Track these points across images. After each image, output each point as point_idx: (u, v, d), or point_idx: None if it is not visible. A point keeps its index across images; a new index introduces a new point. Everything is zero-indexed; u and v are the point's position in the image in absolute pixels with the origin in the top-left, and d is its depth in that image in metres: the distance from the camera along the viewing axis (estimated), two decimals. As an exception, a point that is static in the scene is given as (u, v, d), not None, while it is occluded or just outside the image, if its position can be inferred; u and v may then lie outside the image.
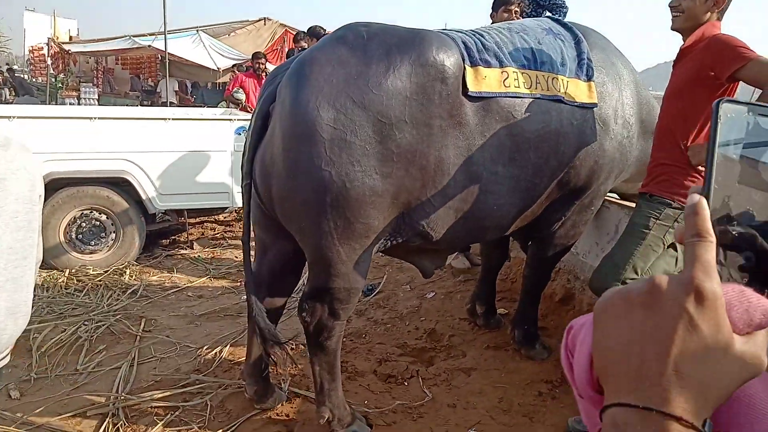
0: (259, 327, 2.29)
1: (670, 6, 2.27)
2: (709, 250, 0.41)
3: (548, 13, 4.26)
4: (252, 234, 2.47)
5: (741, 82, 2.16)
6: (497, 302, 3.61)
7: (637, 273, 2.18)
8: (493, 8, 3.90)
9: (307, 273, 2.41)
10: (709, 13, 2.20)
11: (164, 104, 10.91)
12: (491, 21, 3.94)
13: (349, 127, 2.03)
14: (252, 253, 2.48)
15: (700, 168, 2.24)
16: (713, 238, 0.42)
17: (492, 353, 3.15)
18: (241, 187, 2.36)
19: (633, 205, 3.18)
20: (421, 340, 3.33)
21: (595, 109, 2.57)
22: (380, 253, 2.49)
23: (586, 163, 2.59)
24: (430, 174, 2.22)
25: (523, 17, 3.84)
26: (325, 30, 5.55)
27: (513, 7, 3.73)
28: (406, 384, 2.85)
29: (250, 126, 2.31)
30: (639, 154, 2.94)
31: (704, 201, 0.43)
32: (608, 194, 3.12)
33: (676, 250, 2.25)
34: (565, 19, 4.18)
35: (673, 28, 2.29)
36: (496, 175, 2.38)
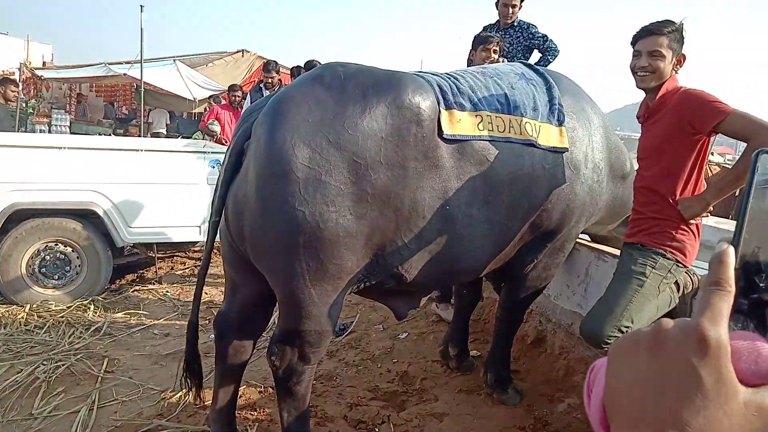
0: (188, 347, 2.42)
1: (637, 67, 2.31)
2: (724, 300, 0.40)
3: (540, 55, 4.45)
4: (220, 271, 2.43)
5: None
6: (470, 344, 3.58)
7: (631, 321, 2.19)
8: (472, 47, 3.98)
9: (278, 314, 2.35)
10: (673, 72, 2.29)
11: (156, 135, 10.81)
12: (469, 59, 4.02)
13: (324, 167, 2.01)
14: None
15: (691, 222, 2.29)
16: (732, 289, 0.41)
17: (464, 397, 3.10)
18: (209, 223, 2.31)
19: (603, 247, 3.23)
20: (393, 384, 3.26)
21: (566, 153, 2.61)
22: (352, 294, 2.45)
23: (557, 206, 2.62)
24: (404, 215, 2.21)
25: (503, 57, 3.94)
26: (318, 63, 5.45)
27: (492, 46, 3.80)
28: (377, 430, 2.77)
29: (223, 162, 2.28)
30: (608, 197, 2.99)
31: (732, 250, 0.43)
32: (579, 236, 3.16)
33: (659, 300, 2.27)
34: (555, 61, 4.35)
35: (640, 87, 2.35)
36: (471, 218, 2.38)
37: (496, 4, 4.43)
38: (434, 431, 2.77)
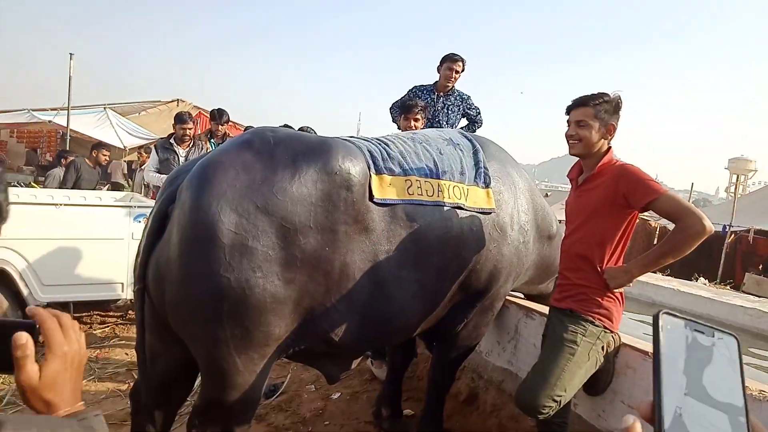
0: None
1: (567, 135, 2.47)
2: None
3: (467, 123, 4.70)
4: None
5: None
6: (404, 402, 3.54)
7: (564, 390, 2.23)
8: (400, 114, 4.14)
9: (200, 383, 2.23)
10: (603, 140, 2.42)
11: (116, 185, 10.29)
12: (398, 126, 4.17)
13: (251, 233, 1.98)
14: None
15: (615, 291, 2.39)
16: None
17: (397, 461, 3.03)
18: (133, 291, 2.20)
19: (531, 305, 3.33)
20: (324, 449, 3.15)
21: (492, 215, 2.71)
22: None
23: (485, 267, 2.69)
24: (334, 279, 2.19)
25: (426, 124, 4.10)
26: (313, 130, 4.84)
27: (411, 116, 3.97)
28: (305, 502, 2.65)
29: (145, 227, 2.20)
30: (536, 257, 3.11)
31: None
32: (509, 294, 3.24)
33: (587, 364, 2.33)
34: (478, 131, 4.57)
35: (572, 153, 2.49)
36: (401, 280, 2.40)
37: (438, 68, 4.62)
38: (366, 500, 2.68)
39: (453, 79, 4.57)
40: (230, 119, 5.93)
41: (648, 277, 6.64)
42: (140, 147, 12.04)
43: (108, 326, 5.26)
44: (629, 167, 2.34)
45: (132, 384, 2.36)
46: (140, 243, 2.19)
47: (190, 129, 5.46)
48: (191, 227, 1.99)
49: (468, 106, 4.70)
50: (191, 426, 2.16)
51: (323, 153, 2.20)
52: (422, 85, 4.75)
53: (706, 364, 0.51)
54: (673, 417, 0.47)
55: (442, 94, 4.65)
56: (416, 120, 3.97)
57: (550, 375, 2.25)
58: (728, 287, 9.39)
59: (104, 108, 12.58)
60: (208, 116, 6.25)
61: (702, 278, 10.32)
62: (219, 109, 5.74)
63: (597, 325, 2.35)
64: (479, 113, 4.77)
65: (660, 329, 0.51)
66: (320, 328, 2.25)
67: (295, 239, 2.05)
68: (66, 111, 9.80)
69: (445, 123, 4.61)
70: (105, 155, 6.96)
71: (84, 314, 5.34)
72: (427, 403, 3.14)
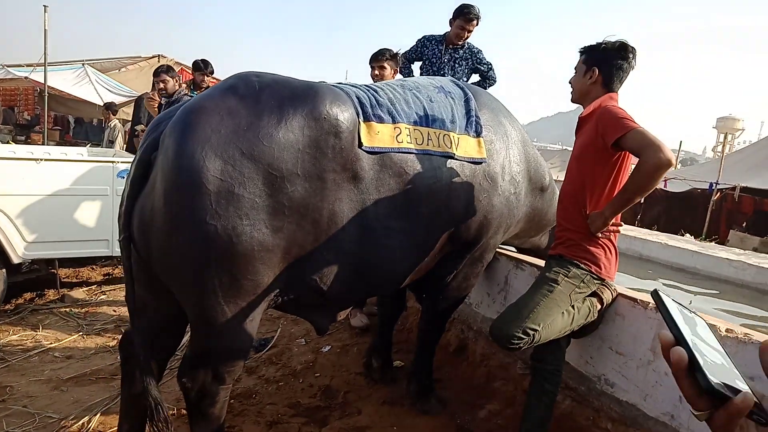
0: (152, 397, 2.11)
1: (569, 82, 2.52)
2: None
3: (479, 79, 4.58)
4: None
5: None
6: (394, 354, 3.57)
7: (538, 325, 2.23)
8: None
9: (189, 334, 2.22)
10: (591, 86, 2.40)
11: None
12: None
13: (237, 179, 1.93)
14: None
15: (601, 236, 2.38)
16: None
17: (387, 409, 3.07)
18: (119, 241, 2.15)
19: (521, 256, 3.33)
20: (315, 399, 3.18)
21: (483, 165, 2.67)
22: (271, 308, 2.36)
23: (475, 217, 2.67)
24: (323, 228, 2.16)
25: (401, 74, 4.01)
26: None
27: (375, 64, 3.91)
28: (297, 448, 2.69)
29: (128, 175, 2.14)
30: (527, 209, 3.08)
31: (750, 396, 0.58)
32: (499, 246, 3.23)
33: (574, 309, 2.34)
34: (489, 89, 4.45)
35: (571, 101, 2.53)
36: (390, 229, 2.37)
37: (451, 22, 4.41)
38: (357, 446, 2.73)
39: (464, 38, 4.39)
40: (214, 72, 5.73)
41: (635, 231, 6.70)
42: (122, 105, 11.75)
43: (95, 283, 5.23)
44: (608, 107, 2.32)
45: (122, 335, 2.33)
46: (123, 192, 2.13)
47: (165, 81, 5.26)
48: (175, 174, 1.93)
49: (478, 60, 4.50)
50: (182, 375, 2.15)
51: (310, 98, 2.13)
52: (431, 35, 4.55)
53: (695, 325, 0.68)
54: (692, 343, 0.61)
55: (450, 47, 4.47)
56: (382, 68, 3.90)
57: (524, 308, 2.27)
58: (713, 243, 9.53)
59: (83, 64, 12.17)
60: (191, 69, 6.02)
61: (688, 235, 10.45)
62: (203, 59, 5.51)
63: (582, 269, 2.35)
64: (491, 68, 4.55)
65: (662, 298, 0.69)
66: (309, 277, 2.23)
67: (282, 187, 2.00)
68: (43, 67, 9.47)
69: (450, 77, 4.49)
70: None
71: (70, 271, 5.30)
72: (417, 354, 3.17)
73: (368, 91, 2.44)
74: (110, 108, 9.51)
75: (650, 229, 8.61)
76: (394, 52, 4.02)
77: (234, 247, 1.93)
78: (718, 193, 14.77)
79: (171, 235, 1.96)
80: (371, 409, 3.06)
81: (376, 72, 3.91)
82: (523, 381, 2.95)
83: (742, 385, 0.60)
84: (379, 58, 3.91)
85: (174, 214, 1.93)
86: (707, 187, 14.99)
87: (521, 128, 3.08)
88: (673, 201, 16.07)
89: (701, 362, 0.60)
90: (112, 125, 9.21)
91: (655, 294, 0.71)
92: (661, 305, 0.69)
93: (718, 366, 0.62)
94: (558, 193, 3.32)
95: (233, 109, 2.00)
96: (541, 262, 3.01)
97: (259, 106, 2.03)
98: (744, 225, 14.35)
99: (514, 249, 3.60)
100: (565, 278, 2.32)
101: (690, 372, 0.60)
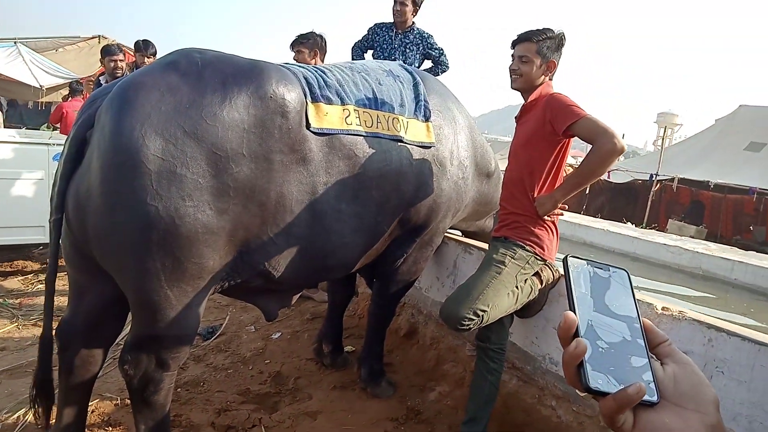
0: (40, 365, 2.14)
1: (510, 69, 2.50)
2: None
3: (431, 66, 4.58)
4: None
5: (573, 140, 2.41)
6: (344, 339, 3.57)
7: (487, 306, 2.27)
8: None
9: (131, 319, 2.14)
10: (543, 77, 2.45)
11: None
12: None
13: (179, 159, 1.86)
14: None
15: (547, 219, 2.44)
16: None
17: (338, 394, 3.07)
18: (49, 222, 2.04)
19: (470, 241, 3.38)
20: (265, 385, 3.14)
21: (432, 150, 2.68)
22: (220, 293, 2.31)
23: (425, 201, 2.69)
24: (270, 210, 2.12)
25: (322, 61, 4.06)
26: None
27: (294, 48, 4.03)
28: (246, 435, 2.65)
29: (62, 153, 2.03)
30: (474, 194, 3.13)
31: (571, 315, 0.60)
32: (448, 231, 3.27)
33: (518, 289, 2.38)
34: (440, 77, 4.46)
35: (512, 88, 2.52)
36: (340, 213, 2.36)
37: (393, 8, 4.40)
38: (308, 430, 2.71)
39: (403, 15, 4.36)
40: (156, 54, 5.50)
41: (579, 219, 6.93)
42: (60, 87, 11.18)
43: (31, 272, 4.97)
44: (556, 95, 2.38)
45: (59, 323, 2.22)
46: (56, 171, 2.02)
47: (121, 60, 5.02)
48: (113, 153, 1.84)
49: (429, 45, 4.50)
50: (123, 362, 2.08)
51: (255, 76, 2.08)
52: (382, 23, 4.55)
53: (606, 289, 0.65)
54: (587, 326, 0.61)
55: (400, 31, 4.46)
56: (299, 53, 4.00)
57: (474, 289, 2.31)
58: (653, 230, 9.97)
59: (14, 42, 11.48)
60: (133, 50, 5.76)
61: (629, 223, 10.90)
62: (145, 39, 5.27)
63: (528, 250, 2.41)
64: (443, 53, 4.55)
65: (569, 268, 0.66)
66: (256, 261, 2.19)
67: (227, 167, 1.95)
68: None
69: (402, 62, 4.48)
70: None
71: (5, 261, 5.02)
72: (368, 338, 3.18)
73: (316, 71, 2.41)
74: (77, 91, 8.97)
75: (594, 217, 8.92)
76: (317, 37, 4.06)
77: (177, 229, 1.87)
78: (658, 184, 15.46)
79: (109, 216, 1.87)
80: (322, 395, 3.06)
81: (295, 57, 4.02)
82: (471, 362, 3.00)
83: (637, 363, 0.58)
84: (294, 44, 4.05)
85: (112, 194, 1.85)
86: (648, 178, 15.66)
87: (468, 114, 3.11)
88: (616, 191, 16.72)
89: (586, 356, 0.57)
90: None
91: (564, 261, 0.67)
92: (566, 275, 0.65)
93: (615, 347, 0.60)
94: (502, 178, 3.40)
95: (174, 85, 1.93)
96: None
97: (202, 84, 1.97)
98: (681, 215, 15.09)
99: (459, 233, 3.66)
100: (512, 260, 2.37)
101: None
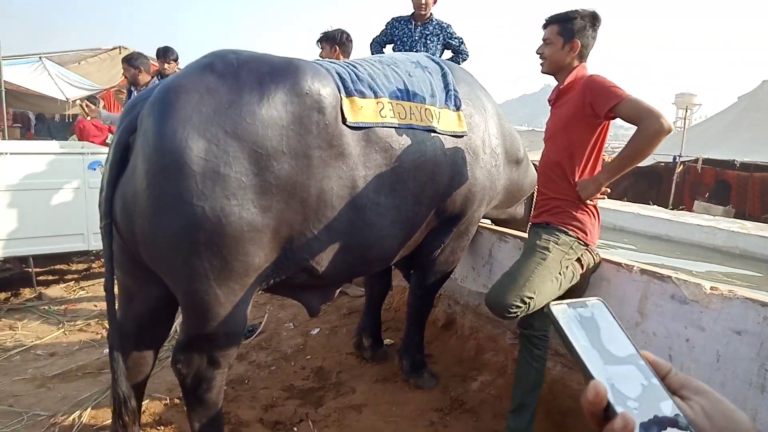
0: (118, 394, 2.11)
1: (537, 53, 2.48)
2: None
3: (452, 55, 4.57)
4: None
5: (612, 121, 2.38)
6: (383, 333, 3.59)
7: (533, 293, 2.25)
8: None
9: (181, 319, 2.18)
10: (569, 58, 2.40)
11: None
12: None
13: (222, 159, 1.89)
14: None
15: (588, 203, 2.41)
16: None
17: (381, 386, 3.09)
18: (100, 228, 2.09)
19: (504, 229, 3.37)
20: (308, 381, 3.18)
21: (465, 139, 2.68)
22: (260, 292, 2.34)
23: (460, 191, 2.69)
24: (312, 206, 2.14)
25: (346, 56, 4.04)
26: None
27: (322, 44, 4.05)
28: (295, 429, 2.68)
29: (107, 160, 2.07)
30: (506, 182, 3.12)
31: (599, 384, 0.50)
32: (481, 220, 3.26)
33: (562, 276, 2.36)
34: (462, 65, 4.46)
35: (542, 72, 2.50)
36: (379, 206, 2.37)
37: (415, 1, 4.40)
38: (354, 423, 2.74)
39: (423, 6, 4.36)
40: (178, 59, 5.55)
41: (608, 203, 6.83)
42: (87, 98, 11.39)
43: (73, 279, 5.09)
44: (595, 77, 2.34)
45: (107, 332, 2.28)
46: (102, 178, 2.07)
47: (140, 73, 5.00)
48: (157, 156, 1.88)
49: (449, 35, 4.49)
50: (176, 361, 2.12)
51: (291, 74, 2.10)
52: (400, 17, 4.56)
53: (598, 331, 0.56)
54: (611, 389, 0.50)
55: (419, 23, 4.46)
56: (322, 49, 4.05)
57: (520, 276, 2.29)
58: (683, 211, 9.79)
59: (39, 58, 11.72)
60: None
61: (656, 206, 10.71)
62: (165, 46, 5.32)
63: (571, 235, 2.39)
64: (462, 43, 4.55)
65: (557, 320, 0.56)
66: (300, 257, 2.21)
67: (268, 165, 1.97)
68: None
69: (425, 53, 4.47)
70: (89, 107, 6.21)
71: (46, 269, 5.15)
72: (408, 330, 3.19)
73: (347, 66, 2.42)
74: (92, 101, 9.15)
75: (620, 201, 8.79)
76: (334, 32, 4.07)
77: (223, 229, 1.90)
78: (681, 166, 15.15)
79: (156, 219, 1.91)
80: (365, 388, 3.08)
81: (322, 52, 4.06)
82: (513, 351, 3.00)
83: (667, 408, 0.50)
84: (319, 40, 4.08)
85: (158, 197, 1.89)
86: (671, 160, 15.34)
87: (495, 102, 3.10)
88: (638, 175, 16.43)
89: (610, 398, 0.50)
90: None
91: (548, 312, 0.57)
92: (557, 328, 0.56)
93: (642, 400, 0.51)
94: (531, 165, 3.37)
95: (213, 87, 1.95)
96: (524, 235, 3.05)
97: (239, 83, 1.99)
98: (707, 195, 14.76)
99: (489, 222, 3.65)
100: (556, 245, 2.35)
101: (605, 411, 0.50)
